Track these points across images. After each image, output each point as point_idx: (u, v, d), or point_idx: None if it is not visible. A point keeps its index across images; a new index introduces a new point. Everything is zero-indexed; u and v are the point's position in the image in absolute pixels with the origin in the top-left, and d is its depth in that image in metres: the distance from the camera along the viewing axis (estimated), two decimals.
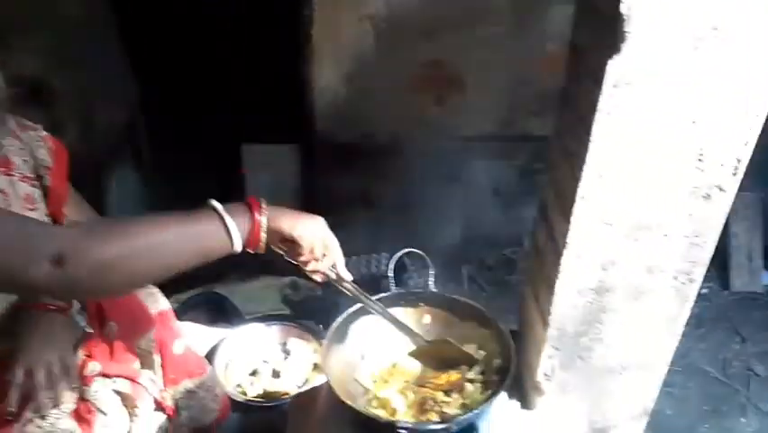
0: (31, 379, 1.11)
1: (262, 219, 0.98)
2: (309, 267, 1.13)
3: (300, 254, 1.08)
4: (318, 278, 1.16)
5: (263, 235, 0.99)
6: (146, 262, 0.89)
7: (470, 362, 1.29)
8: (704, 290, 2.73)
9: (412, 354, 1.30)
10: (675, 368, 2.34)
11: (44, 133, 1.26)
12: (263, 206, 1.00)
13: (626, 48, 0.95)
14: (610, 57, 0.95)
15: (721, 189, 1.12)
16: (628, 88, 0.99)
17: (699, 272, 1.26)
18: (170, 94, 3.37)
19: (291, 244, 1.06)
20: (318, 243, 1.08)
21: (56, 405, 1.13)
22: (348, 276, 1.19)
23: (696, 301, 2.69)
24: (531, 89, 2.56)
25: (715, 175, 1.10)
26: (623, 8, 0.92)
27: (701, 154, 1.07)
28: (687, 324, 2.57)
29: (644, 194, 1.13)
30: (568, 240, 1.20)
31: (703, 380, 2.37)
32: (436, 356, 1.30)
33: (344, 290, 1.21)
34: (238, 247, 0.96)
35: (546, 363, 1.43)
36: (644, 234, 1.19)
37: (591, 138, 1.06)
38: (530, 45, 2.46)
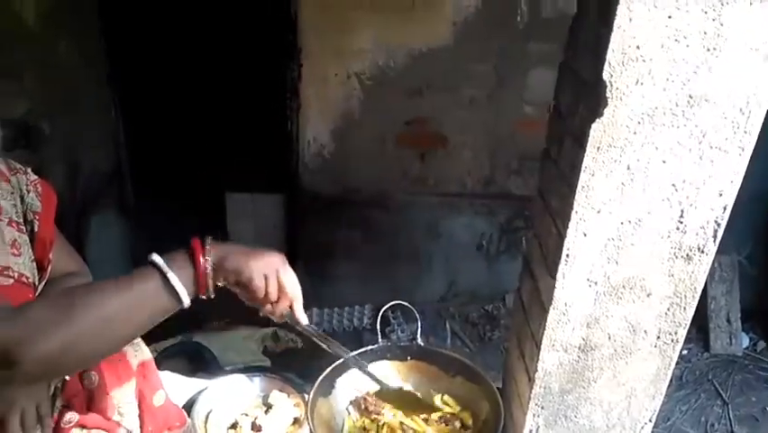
0: (4, 427, 1.07)
1: (208, 264, 0.92)
2: (265, 309, 1.05)
3: (253, 297, 1.01)
4: (276, 319, 1.08)
5: (210, 282, 0.93)
6: (94, 342, 0.86)
7: (433, 410, 1.25)
8: (684, 351, 2.74)
9: (381, 395, 1.27)
10: (658, 430, 2.34)
11: (34, 177, 1.23)
12: (207, 247, 0.93)
13: (607, 112, 0.99)
14: (593, 120, 0.99)
15: (701, 251, 1.15)
16: (611, 151, 1.02)
17: (682, 333, 1.27)
18: (157, 141, 3.40)
19: (244, 286, 0.98)
20: (272, 282, 0.99)
21: None
22: (304, 320, 1.12)
23: (677, 363, 2.70)
24: (511, 150, 2.64)
25: (695, 237, 1.13)
26: (605, 75, 0.96)
27: (682, 216, 1.10)
28: (669, 385, 2.58)
29: (627, 253, 1.15)
30: (554, 297, 1.22)
31: None
32: (405, 403, 1.27)
33: (305, 333, 1.15)
34: (186, 301, 0.91)
35: (531, 422, 1.42)
36: (627, 294, 1.21)
37: (575, 198, 1.09)
38: (510, 107, 2.56)
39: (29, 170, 1.23)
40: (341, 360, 1.24)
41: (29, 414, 1.09)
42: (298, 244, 2.80)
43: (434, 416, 1.28)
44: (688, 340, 2.75)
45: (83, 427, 1.19)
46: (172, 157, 3.49)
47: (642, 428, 1.43)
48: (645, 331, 1.26)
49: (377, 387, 1.29)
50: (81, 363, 0.91)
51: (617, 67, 0.96)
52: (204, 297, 0.95)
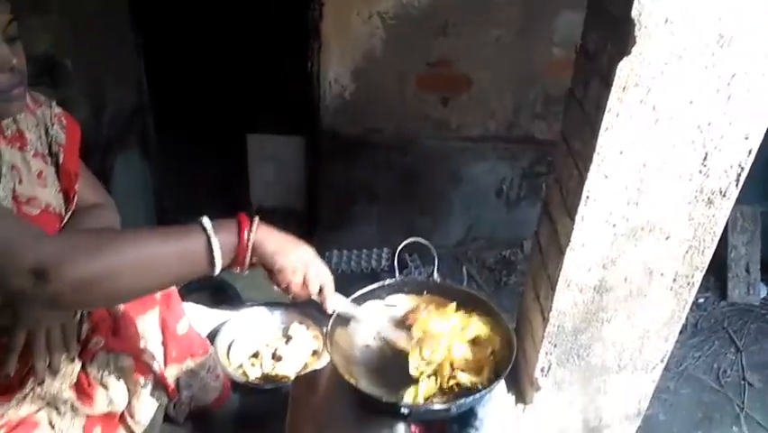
0: (31, 341, 1.10)
1: (250, 242, 0.94)
2: (290, 293, 1.06)
3: (275, 283, 1.03)
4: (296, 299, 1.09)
5: (247, 259, 0.95)
6: (127, 281, 0.88)
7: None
8: (701, 300, 2.75)
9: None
10: (670, 375, 2.38)
11: (58, 109, 1.25)
12: (254, 227, 0.95)
13: (635, 51, 0.97)
14: (620, 59, 0.97)
15: (723, 195, 1.14)
16: (637, 91, 1.01)
17: (698, 277, 1.28)
18: (179, 82, 3.39)
19: (271, 271, 1.01)
20: (298, 277, 1.02)
21: (54, 371, 1.13)
22: (330, 309, 1.13)
23: (693, 310, 2.72)
24: (536, 92, 2.59)
25: (718, 180, 1.12)
26: (633, 12, 0.94)
27: (705, 159, 1.09)
28: (683, 332, 2.61)
29: (648, 196, 1.15)
30: (572, 238, 1.22)
31: (697, 387, 2.39)
32: None
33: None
34: (218, 270, 0.93)
35: (544, 360, 1.46)
36: (645, 236, 1.21)
37: (598, 139, 1.08)
38: (537, 49, 2.49)
39: (53, 102, 1.24)
40: (358, 294, 1.27)
41: (54, 334, 1.12)
42: (318, 185, 2.82)
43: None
44: (705, 289, 2.75)
45: (110, 350, 1.25)
46: (194, 98, 3.49)
47: (653, 369, 1.46)
48: (662, 274, 1.27)
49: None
50: (109, 298, 0.93)
51: (647, 4, 0.93)
52: (236, 270, 0.97)
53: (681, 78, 1.00)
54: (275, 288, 1.05)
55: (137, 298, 1.05)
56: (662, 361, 1.44)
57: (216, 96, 3.50)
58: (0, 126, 1.10)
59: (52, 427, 1.19)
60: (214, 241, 0.90)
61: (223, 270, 0.94)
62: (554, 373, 1.48)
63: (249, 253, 0.94)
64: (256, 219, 0.96)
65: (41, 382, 1.15)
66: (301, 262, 1.01)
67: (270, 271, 1.00)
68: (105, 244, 0.87)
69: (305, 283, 1.04)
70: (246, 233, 0.93)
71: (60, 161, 1.22)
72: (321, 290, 1.09)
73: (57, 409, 1.20)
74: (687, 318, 2.57)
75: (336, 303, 1.13)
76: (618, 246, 1.23)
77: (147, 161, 2.94)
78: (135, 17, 2.71)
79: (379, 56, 2.50)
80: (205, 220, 0.92)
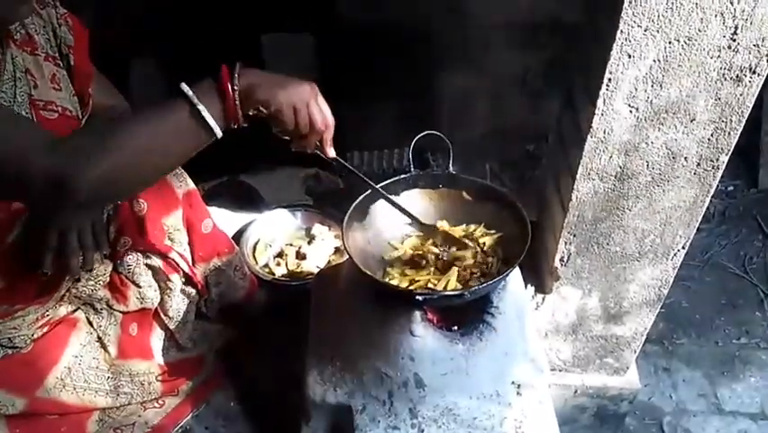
0: (63, 241, 1.13)
1: (236, 94, 0.89)
2: (295, 143, 1.02)
3: (282, 129, 0.98)
4: (308, 150, 1.04)
5: (238, 112, 0.91)
6: (135, 169, 0.88)
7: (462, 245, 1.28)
8: (730, 188, 2.69)
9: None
10: (694, 263, 2.38)
11: (63, 10, 1.21)
12: (236, 74, 0.90)
13: None
14: None
15: (753, 71, 1.08)
16: None
17: (723, 160, 1.24)
18: None
19: (272, 116, 0.95)
20: (302, 115, 0.95)
21: (89, 269, 1.18)
22: (332, 153, 1.07)
23: (721, 198, 2.67)
24: None
25: (747, 56, 1.05)
26: None
27: (735, 33, 1.02)
28: (710, 220, 2.57)
29: (673, 75, 1.09)
30: (593, 124, 1.19)
31: (722, 275, 2.39)
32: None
33: (336, 166, 1.12)
34: (218, 132, 0.90)
35: (563, 249, 1.46)
36: (669, 119, 1.17)
37: (621, 15, 1.02)
38: None
39: (57, 3, 1.21)
40: (369, 191, 1.26)
41: (85, 232, 1.15)
42: (334, 83, 2.76)
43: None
44: (735, 176, 2.68)
45: (138, 250, 1.29)
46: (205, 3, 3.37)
47: (674, 255, 1.46)
48: (685, 158, 1.23)
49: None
50: (128, 188, 0.93)
51: None
52: (235, 126, 0.93)
53: None
54: (281, 135, 1.00)
55: (153, 181, 1.02)
56: (683, 247, 1.44)
57: None
58: (9, 30, 1.08)
59: (91, 324, 1.26)
60: (200, 107, 0.87)
61: (225, 130, 0.92)
62: (574, 262, 1.49)
63: (238, 104, 0.90)
64: (237, 65, 0.91)
65: (77, 280, 1.21)
66: (300, 99, 0.94)
67: (270, 116, 0.95)
68: (110, 137, 0.87)
69: (311, 123, 0.97)
70: (229, 84, 0.89)
71: (72, 62, 1.21)
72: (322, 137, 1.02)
73: (93, 307, 1.27)
74: (714, 207, 2.56)
75: (334, 153, 1.08)
76: (641, 131, 1.19)
77: (160, 64, 2.90)
78: None
79: None
80: (184, 86, 0.88)
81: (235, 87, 0.89)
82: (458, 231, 1.32)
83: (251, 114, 0.94)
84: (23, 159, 0.83)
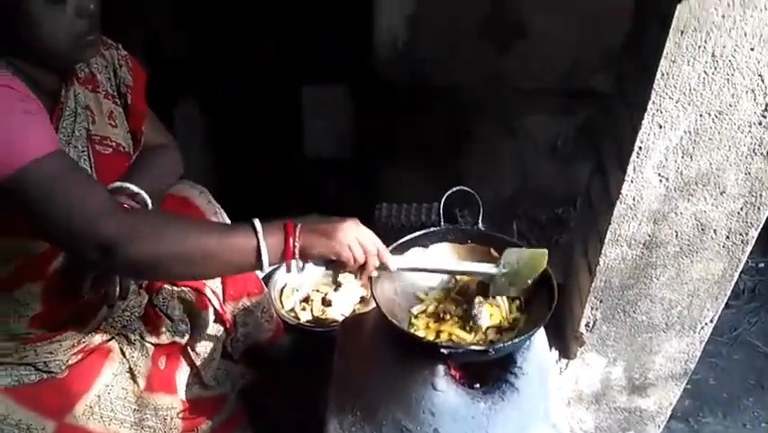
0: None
1: (296, 250, 1.01)
2: (358, 274, 1.12)
3: (345, 267, 1.09)
4: (374, 275, 1.17)
5: (295, 261, 1.03)
6: (183, 267, 0.98)
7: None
8: (761, 265, 2.65)
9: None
10: (722, 339, 2.33)
11: (125, 52, 1.30)
12: (297, 231, 1.02)
13: None
14: (679, 1, 0.94)
15: None
16: (695, 35, 0.97)
17: (753, 234, 1.25)
18: (235, 34, 3.44)
19: (335, 262, 1.07)
20: (356, 249, 1.07)
21: (124, 297, 1.23)
22: (393, 267, 1.16)
23: (751, 275, 2.63)
24: (597, 43, 2.48)
25: None
26: None
27: (766, 110, 1.05)
28: (739, 297, 2.53)
29: (703, 147, 1.12)
30: (622, 191, 1.21)
31: (751, 353, 2.33)
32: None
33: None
34: (266, 268, 1.02)
35: (589, 315, 1.46)
36: (699, 190, 1.19)
37: (653, 86, 1.05)
38: None
39: (120, 45, 1.29)
40: (401, 241, 1.30)
41: None
42: (370, 135, 2.83)
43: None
44: (765, 253, 2.65)
45: (173, 284, 1.33)
46: (251, 50, 3.53)
47: (702, 328, 1.44)
48: (714, 230, 1.24)
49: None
50: (164, 275, 1.04)
51: None
52: (290, 271, 1.05)
53: (742, 24, 0.96)
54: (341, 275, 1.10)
55: (190, 280, 1.17)
56: (711, 321, 1.43)
57: (273, 49, 3.53)
58: (74, 69, 1.16)
59: (123, 354, 1.30)
60: (263, 244, 0.98)
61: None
62: (599, 329, 1.49)
63: (297, 257, 1.02)
64: (298, 227, 1.02)
65: (112, 306, 1.25)
66: (352, 240, 1.06)
67: (330, 262, 1.07)
68: (170, 231, 0.96)
69: (365, 252, 1.08)
70: (291, 241, 1.01)
71: (129, 102, 1.28)
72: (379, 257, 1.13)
73: (127, 338, 1.30)
74: (744, 283, 2.52)
75: (396, 262, 1.17)
76: (670, 200, 1.21)
77: (203, 108, 3.03)
78: None
79: (434, 4, 2.46)
80: (257, 224, 1.00)
81: (296, 244, 1.02)
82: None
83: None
84: (86, 221, 0.91)
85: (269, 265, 1.01)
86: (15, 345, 1.16)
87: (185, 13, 2.88)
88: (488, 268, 1.25)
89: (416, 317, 1.30)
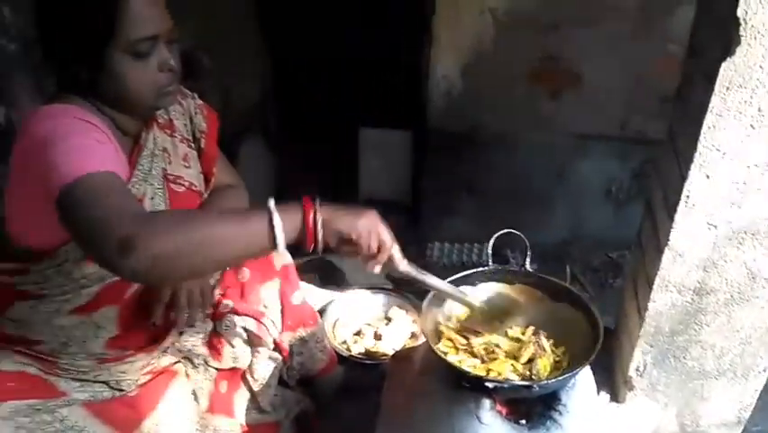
0: (174, 298, 1.29)
1: (318, 221, 1.00)
2: (368, 264, 1.11)
3: (359, 253, 1.08)
4: (377, 271, 1.13)
5: (319, 238, 1.00)
6: (200, 257, 0.96)
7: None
8: None
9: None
10: None
11: (200, 101, 1.43)
12: (317, 207, 1.01)
13: (740, 51, 0.97)
14: (724, 59, 0.98)
15: None
16: (741, 92, 1.01)
17: None
18: (299, 78, 3.62)
19: (349, 243, 1.05)
20: (374, 237, 1.06)
21: (191, 324, 1.31)
22: (403, 268, 1.17)
23: None
24: (650, 91, 2.50)
25: None
26: (739, 12, 0.95)
27: None
28: None
29: (752, 198, 1.14)
30: (670, 238, 1.24)
31: None
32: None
33: (406, 278, 1.21)
34: (281, 248, 0.99)
35: (639, 359, 1.46)
36: (748, 239, 1.20)
37: (700, 139, 1.09)
38: (652, 45, 2.42)
39: (195, 95, 1.43)
40: (450, 279, 1.34)
41: (194, 293, 1.31)
42: (423, 179, 2.91)
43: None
44: None
45: (236, 313, 1.43)
46: (313, 93, 3.70)
47: (755, 376, 1.42)
48: (765, 278, 1.24)
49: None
50: (183, 271, 1.01)
51: (754, 4, 0.94)
52: (309, 250, 1.03)
53: None
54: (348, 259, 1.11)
55: (209, 273, 1.17)
56: (764, 370, 1.41)
57: (333, 92, 3.69)
58: (154, 115, 1.29)
59: (188, 377, 1.39)
60: (276, 219, 0.97)
61: (290, 248, 1.00)
62: (650, 374, 1.48)
63: (320, 234, 1.00)
64: (317, 201, 1.02)
65: (181, 333, 1.35)
66: (372, 225, 1.06)
67: (347, 243, 1.05)
68: (181, 223, 0.97)
69: (379, 244, 1.08)
70: (311, 216, 1.00)
71: (202, 146, 1.41)
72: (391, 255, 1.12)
73: (192, 362, 1.40)
74: None
75: (405, 264, 1.18)
76: (719, 248, 1.23)
77: (269, 150, 3.19)
78: (262, 21, 2.95)
79: (488, 52, 2.54)
80: (271, 202, 1.00)
81: (318, 217, 1.01)
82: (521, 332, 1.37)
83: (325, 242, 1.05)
84: (109, 221, 0.93)
85: (284, 243, 0.98)
86: (92, 365, 1.27)
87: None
88: (471, 299, 1.33)
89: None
